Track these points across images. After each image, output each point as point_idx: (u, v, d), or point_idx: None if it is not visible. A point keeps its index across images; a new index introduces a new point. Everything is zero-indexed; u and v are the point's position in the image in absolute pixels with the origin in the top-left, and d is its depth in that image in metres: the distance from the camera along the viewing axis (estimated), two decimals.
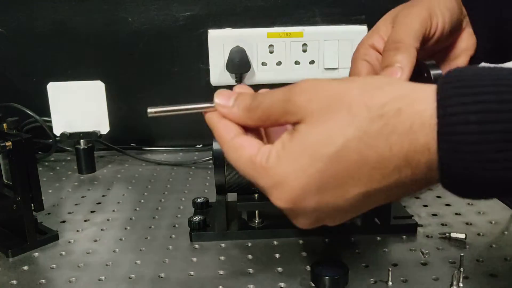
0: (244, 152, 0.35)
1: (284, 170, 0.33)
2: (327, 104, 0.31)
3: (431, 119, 0.29)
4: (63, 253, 0.58)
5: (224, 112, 0.37)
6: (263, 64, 0.94)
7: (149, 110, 0.39)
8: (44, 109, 0.86)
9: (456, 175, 0.29)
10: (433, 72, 0.40)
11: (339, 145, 0.31)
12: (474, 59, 0.49)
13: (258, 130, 0.39)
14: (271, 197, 0.34)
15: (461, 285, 0.49)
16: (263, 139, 0.40)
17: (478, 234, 0.60)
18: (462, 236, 0.58)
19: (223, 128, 0.37)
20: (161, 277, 0.52)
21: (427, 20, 0.43)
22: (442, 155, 0.29)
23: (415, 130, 0.29)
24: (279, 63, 0.95)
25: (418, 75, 0.41)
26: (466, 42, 0.47)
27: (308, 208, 0.33)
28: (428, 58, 0.46)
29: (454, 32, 0.46)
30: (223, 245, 0.59)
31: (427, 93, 0.30)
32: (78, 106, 0.85)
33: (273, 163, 0.33)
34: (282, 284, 0.50)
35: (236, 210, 0.60)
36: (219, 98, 0.38)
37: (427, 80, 0.41)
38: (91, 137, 0.86)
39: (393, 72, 0.41)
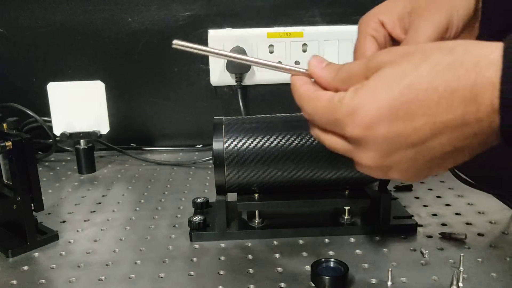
0: (322, 98, 0.39)
1: (360, 99, 0.36)
2: (403, 53, 0.36)
3: (497, 60, 0.32)
4: (63, 253, 0.58)
5: (315, 71, 0.41)
6: None
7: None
8: (44, 109, 0.86)
9: None
10: None
11: (413, 76, 0.34)
12: None
13: None
14: (346, 127, 0.37)
15: (461, 285, 0.49)
16: None
17: (478, 234, 0.60)
18: (462, 236, 0.58)
19: (302, 86, 0.41)
20: (161, 277, 0.52)
21: (444, 32, 0.45)
22: (504, 90, 0.31)
23: (481, 66, 0.32)
24: (279, 63, 0.94)
25: None
26: None
27: (379, 136, 0.36)
28: None
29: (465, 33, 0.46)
30: (223, 245, 0.59)
31: (494, 43, 0.33)
32: (78, 106, 0.85)
33: (350, 96, 0.37)
34: (282, 284, 0.50)
35: (236, 210, 0.60)
36: (314, 59, 0.42)
37: None
38: (91, 137, 0.86)
39: None
